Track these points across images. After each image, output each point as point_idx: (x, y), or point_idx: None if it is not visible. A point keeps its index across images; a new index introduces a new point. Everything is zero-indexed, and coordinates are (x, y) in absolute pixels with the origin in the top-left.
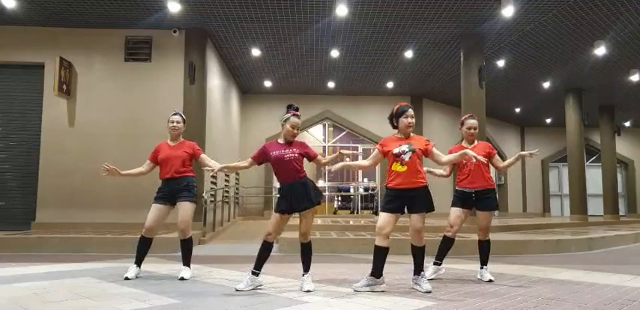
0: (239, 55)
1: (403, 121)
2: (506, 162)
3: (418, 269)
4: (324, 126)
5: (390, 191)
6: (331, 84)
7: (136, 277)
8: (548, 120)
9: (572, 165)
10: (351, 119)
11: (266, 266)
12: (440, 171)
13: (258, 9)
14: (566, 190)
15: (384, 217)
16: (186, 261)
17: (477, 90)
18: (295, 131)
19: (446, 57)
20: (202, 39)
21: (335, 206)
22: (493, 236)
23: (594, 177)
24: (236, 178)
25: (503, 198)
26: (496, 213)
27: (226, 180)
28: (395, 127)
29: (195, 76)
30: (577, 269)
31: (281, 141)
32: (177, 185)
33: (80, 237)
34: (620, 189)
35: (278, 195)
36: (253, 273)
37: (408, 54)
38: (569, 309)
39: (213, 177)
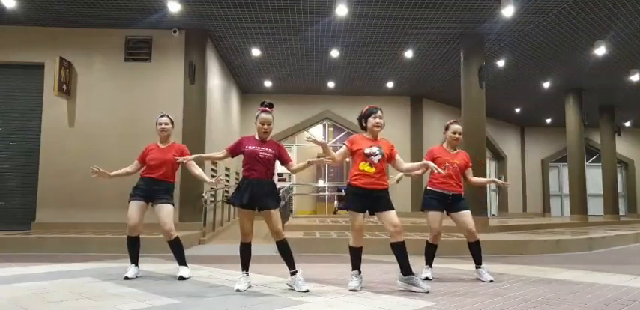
0: (239, 55)
1: (371, 121)
2: (478, 180)
3: (407, 269)
4: (324, 126)
5: (356, 189)
6: (331, 84)
7: (136, 276)
8: (548, 120)
9: (572, 165)
10: (351, 119)
11: (266, 266)
12: (416, 172)
13: (258, 9)
14: (566, 190)
15: (359, 217)
16: (182, 261)
17: (477, 90)
18: (265, 126)
19: (446, 57)
20: (202, 39)
21: (335, 206)
22: (493, 236)
23: (594, 177)
24: (236, 178)
25: (503, 198)
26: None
27: (226, 180)
28: (363, 128)
29: (195, 76)
30: (577, 269)
31: (257, 137)
32: (158, 186)
33: (80, 237)
34: (620, 189)
35: (236, 187)
36: (247, 274)
37: (408, 54)
38: (569, 309)
39: (212, 177)
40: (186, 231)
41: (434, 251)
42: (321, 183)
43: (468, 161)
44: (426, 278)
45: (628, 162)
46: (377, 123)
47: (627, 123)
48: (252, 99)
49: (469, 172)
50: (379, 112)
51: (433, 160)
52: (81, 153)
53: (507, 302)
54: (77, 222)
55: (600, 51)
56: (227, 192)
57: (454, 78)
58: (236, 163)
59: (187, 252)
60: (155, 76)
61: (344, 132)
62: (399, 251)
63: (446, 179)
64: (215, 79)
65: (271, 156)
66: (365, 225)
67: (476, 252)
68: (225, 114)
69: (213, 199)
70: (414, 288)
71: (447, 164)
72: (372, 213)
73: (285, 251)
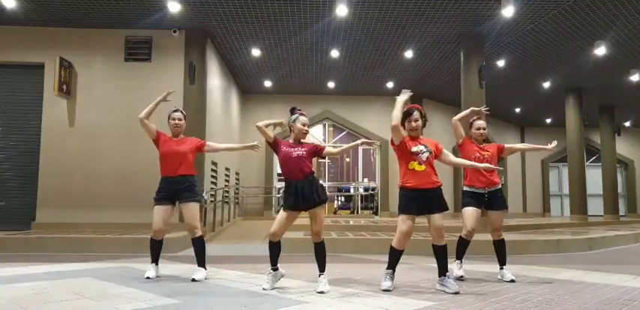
0: (239, 55)
1: (407, 126)
2: (529, 146)
3: (443, 270)
4: (324, 126)
5: (409, 191)
6: (331, 84)
7: (157, 276)
8: (548, 120)
9: (572, 165)
10: (351, 119)
11: (266, 267)
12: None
13: (258, 9)
14: (566, 190)
15: (409, 221)
16: (200, 261)
17: (477, 90)
18: (306, 129)
19: (446, 57)
20: (202, 39)
21: (335, 206)
22: None
23: (594, 177)
24: (236, 178)
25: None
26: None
27: (226, 180)
28: (403, 126)
29: (195, 76)
30: (577, 269)
31: (291, 141)
32: (179, 185)
33: (80, 237)
34: (620, 189)
35: (282, 193)
36: (274, 270)
37: (408, 54)
38: (569, 309)
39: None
40: (187, 230)
41: (465, 246)
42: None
43: (499, 145)
44: (460, 277)
45: (628, 162)
46: (412, 127)
47: (627, 123)
48: (252, 99)
49: (508, 149)
50: (415, 114)
51: (464, 144)
52: (81, 153)
53: (507, 302)
54: (77, 222)
55: (600, 51)
56: (227, 191)
57: (454, 78)
58: (237, 163)
59: (188, 252)
60: (155, 76)
61: (344, 132)
62: (438, 253)
63: (476, 175)
64: (215, 79)
65: (305, 153)
66: (411, 228)
67: (500, 252)
68: (225, 114)
69: (213, 199)
70: (445, 289)
71: (478, 154)
72: (422, 213)
73: (321, 254)
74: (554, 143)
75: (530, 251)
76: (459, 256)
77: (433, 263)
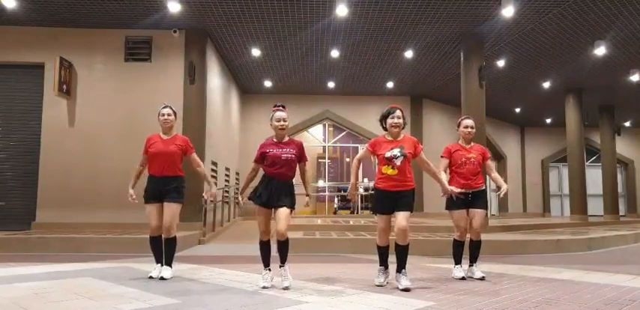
0: (239, 55)
1: (389, 121)
2: (496, 178)
3: (400, 267)
4: (324, 126)
5: (380, 192)
6: (331, 84)
7: (160, 276)
8: (548, 120)
9: (572, 165)
10: (351, 119)
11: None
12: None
13: (258, 9)
14: (566, 190)
15: (384, 219)
16: (169, 261)
17: (477, 90)
18: (281, 122)
19: (446, 57)
20: (202, 39)
21: (335, 206)
22: (493, 237)
23: (594, 177)
24: (236, 178)
25: (503, 198)
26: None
27: (226, 180)
28: (385, 129)
29: (195, 76)
30: (577, 269)
31: (275, 139)
32: (167, 185)
33: (80, 237)
34: (620, 189)
35: (257, 186)
36: (269, 270)
37: (408, 54)
38: (569, 309)
39: (213, 176)
40: (187, 231)
41: (461, 249)
42: (321, 183)
43: (485, 152)
44: (462, 278)
45: (628, 162)
46: (394, 123)
47: (627, 123)
48: (252, 99)
49: (488, 165)
50: (397, 112)
51: (451, 155)
52: (81, 153)
53: (507, 302)
54: (77, 222)
55: (600, 51)
56: (227, 191)
57: (454, 78)
58: (237, 163)
59: (188, 252)
60: (155, 76)
61: (344, 132)
62: (399, 252)
63: (459, 179)
64: (215, 79)
65: (293, 156)
66: (389, 226)
67: (474, 251)
68: (225, 114)
69: (213, 199)
70: (398, 285)
71: (464, 159)
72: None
73: (284, 250)
74: (503, 192)
75: (530, 251)
76: (458, 261)
77: (432, 264)
